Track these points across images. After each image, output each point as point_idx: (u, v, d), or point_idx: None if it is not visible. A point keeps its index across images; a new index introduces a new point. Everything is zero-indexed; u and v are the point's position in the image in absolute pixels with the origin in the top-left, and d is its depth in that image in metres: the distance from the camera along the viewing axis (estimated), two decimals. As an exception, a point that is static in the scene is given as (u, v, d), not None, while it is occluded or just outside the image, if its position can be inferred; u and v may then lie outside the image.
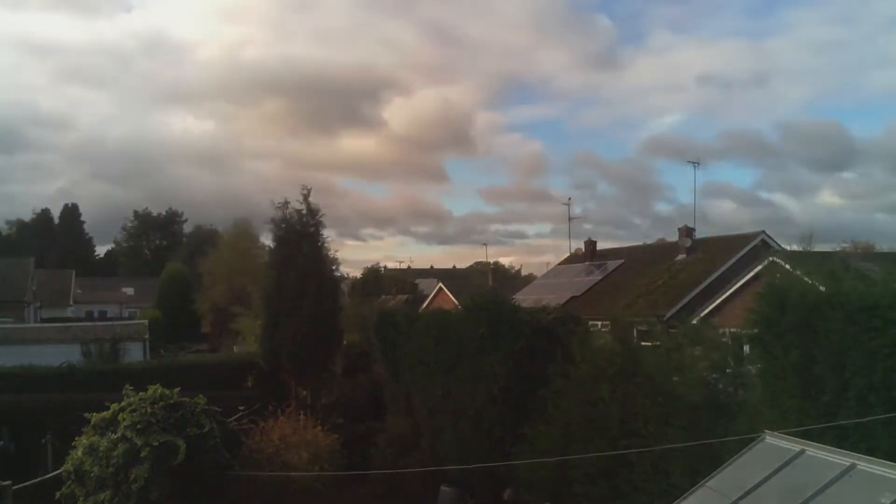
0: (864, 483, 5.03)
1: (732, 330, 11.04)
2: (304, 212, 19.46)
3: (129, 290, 64.89)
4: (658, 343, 11.91)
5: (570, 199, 58.10)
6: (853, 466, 5.22)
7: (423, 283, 52.56)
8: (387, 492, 15.09)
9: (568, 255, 35.00)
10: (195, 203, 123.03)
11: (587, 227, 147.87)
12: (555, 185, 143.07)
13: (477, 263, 67.54)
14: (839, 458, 5.42)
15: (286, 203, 19.38)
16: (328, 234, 20.18)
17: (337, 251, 20.27)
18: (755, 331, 8.54)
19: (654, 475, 9.76)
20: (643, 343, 12.38)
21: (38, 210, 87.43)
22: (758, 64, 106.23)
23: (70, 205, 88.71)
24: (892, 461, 5.15)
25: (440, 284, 38.41)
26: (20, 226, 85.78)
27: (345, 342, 20.93)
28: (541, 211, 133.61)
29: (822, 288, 7.90)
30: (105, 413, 12.83)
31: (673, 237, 28.78)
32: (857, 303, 7.17)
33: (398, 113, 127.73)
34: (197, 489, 12.39)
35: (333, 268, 20.29)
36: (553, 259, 40.97)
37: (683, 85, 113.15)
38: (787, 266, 13.75)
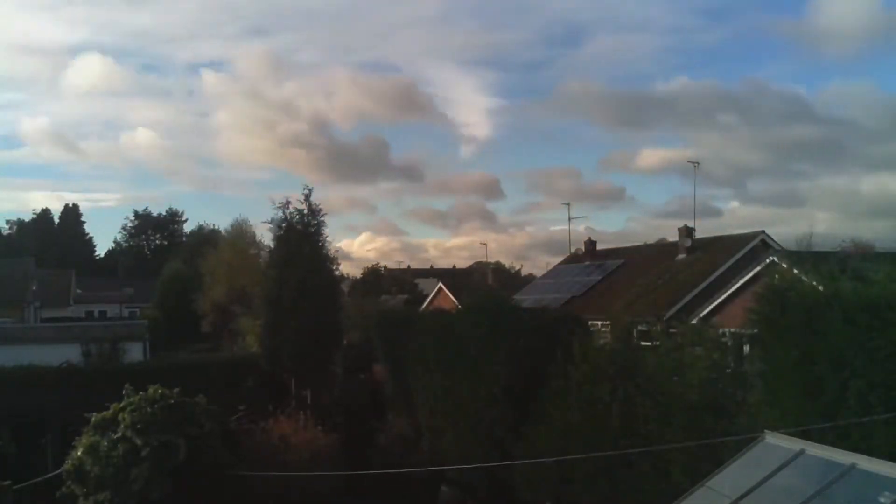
0: (864, 483, 5.04)
1: (732, 330, 11.07)
2: (306, 212, 19.46)
3: (130, 290, 64.69)
4: (658, 343, 11.92)
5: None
6: (853, 466, 5.23)
7: (422, 283, 52.51)
8: (387, 492, 15.07)
9: (568, 254, 35.00)
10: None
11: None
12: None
13: (477, 263, 67.40)
14: (839, 458, 5.42)
15: (287, 203, 19.39)
16: None
17: (337, 250, 20.30)
18: (755, 331, 8.55)
19: (654, 475, 9.76)
20: (643, 343, 12.39)
21: (38, 210, 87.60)
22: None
23: (70, 205, 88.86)
24: (892, 461, 5.16)
25: (440, 284, 38.35)
26: (20, 226, 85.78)
27: (345, 342, 20.92)
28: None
29: (821, 288, 7.92)
30: (105, 413, 12.86)
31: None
32: (856, 303, 7.18)
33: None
34: (197, 489, 12.39)
35: (334, 267, 20.30)
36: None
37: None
38: (787, 266, 13.75)
